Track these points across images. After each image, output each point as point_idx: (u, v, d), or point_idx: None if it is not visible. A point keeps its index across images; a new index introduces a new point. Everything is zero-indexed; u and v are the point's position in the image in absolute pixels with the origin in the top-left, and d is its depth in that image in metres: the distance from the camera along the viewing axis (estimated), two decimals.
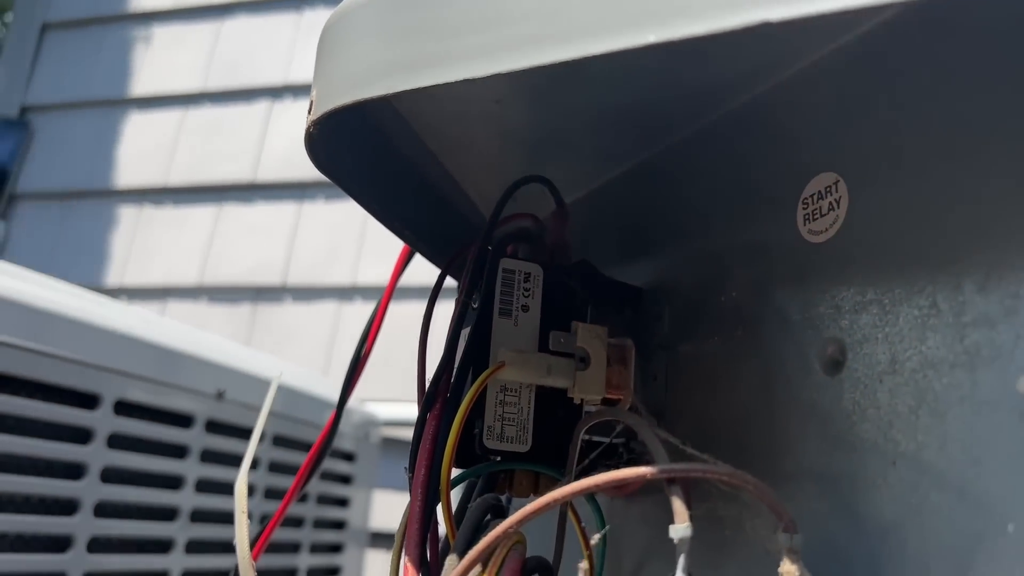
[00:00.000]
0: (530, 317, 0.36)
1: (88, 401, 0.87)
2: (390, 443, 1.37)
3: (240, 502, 0.25)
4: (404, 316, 1.17)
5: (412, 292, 1.32)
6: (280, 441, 1.12)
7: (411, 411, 0.36)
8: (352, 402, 1.33)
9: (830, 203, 0.30)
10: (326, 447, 0.51)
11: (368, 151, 0.39)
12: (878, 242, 0.28)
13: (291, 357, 1.79)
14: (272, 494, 1.09)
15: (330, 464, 1.16)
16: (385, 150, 0.41)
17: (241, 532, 0.25)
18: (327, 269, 1.89)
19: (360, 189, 0.39)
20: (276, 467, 1.09)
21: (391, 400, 1.48)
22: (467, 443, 0.35)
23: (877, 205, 0.28)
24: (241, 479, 0.26)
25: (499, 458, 0.35)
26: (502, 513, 0.33)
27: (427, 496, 0.31)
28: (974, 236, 0.25)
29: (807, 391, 0.30)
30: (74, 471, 0.89)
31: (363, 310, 1.81)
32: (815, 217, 0.31)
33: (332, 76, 0.30)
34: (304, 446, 1.15)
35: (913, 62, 0.28)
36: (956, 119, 0.26)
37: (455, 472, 0.34)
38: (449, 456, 0.32)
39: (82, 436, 0.89)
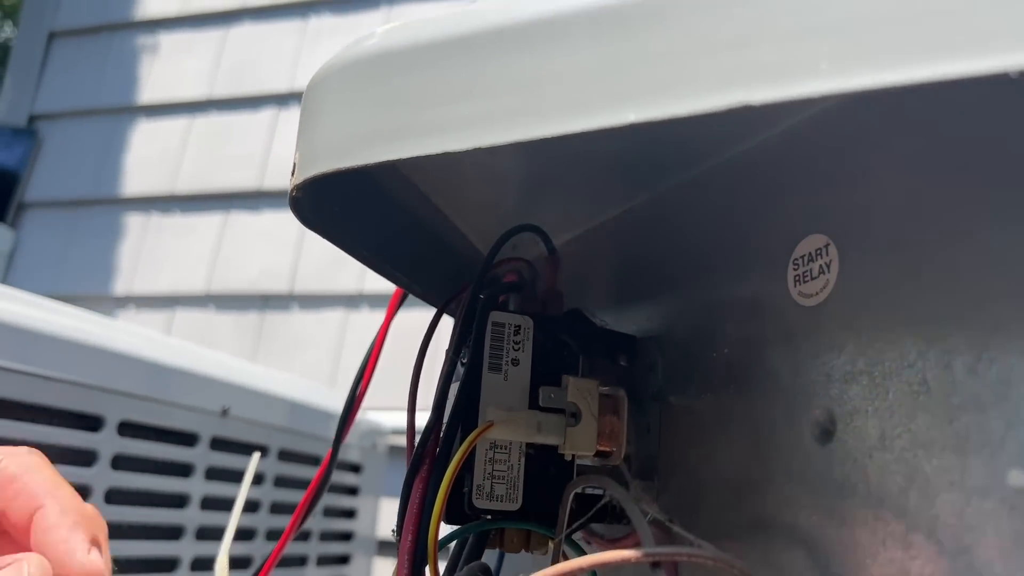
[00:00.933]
0: (520, 371, 0.36)
1: (91, 423, 0.87)
2: (397, 451, 1.37)
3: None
4: (410, 323, 1.17)
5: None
6: (286, 455, 1.12)
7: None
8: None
9: (820, 266, 0.30)
10: (322, 486, 0.51)
11: (357, 201, 0.39)
12: (869, 311, 0.27)
13: (298, 365, 1.80)
14: (278, 509, 1.09)
15: (337, 476, 1.16)
16: (374, 195, 0.41)
17: None
18: (334, 276, 1.89)
19: (350, 239, 0.39)
20: (282, 482, 1.09)
21: (397, 409, 1.48)
22: (456, 502, 0.35)
23: (868, 273, 0.28)
24: (222, 555, 0.25)
25: (489, 516, 0.35)
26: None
27: (413, 563, 0.31)
28: (965, 314, 0.24)
29: (797, 459, 0.29)
30: (79, 493, 0.89)
31: (370, 318, 1.81)
32: (806, 279, 0.30)
33: (313, 143, 0.30)
34: (310, 459, 1.15)
35: (904, 129, 0.27)
36: (946, 189, 0.26)
37: (446, 530, 0.34)
38: (436, 523, 0.31)
39: (86, 458, 0.89)
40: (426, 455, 0.33)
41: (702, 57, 0.23)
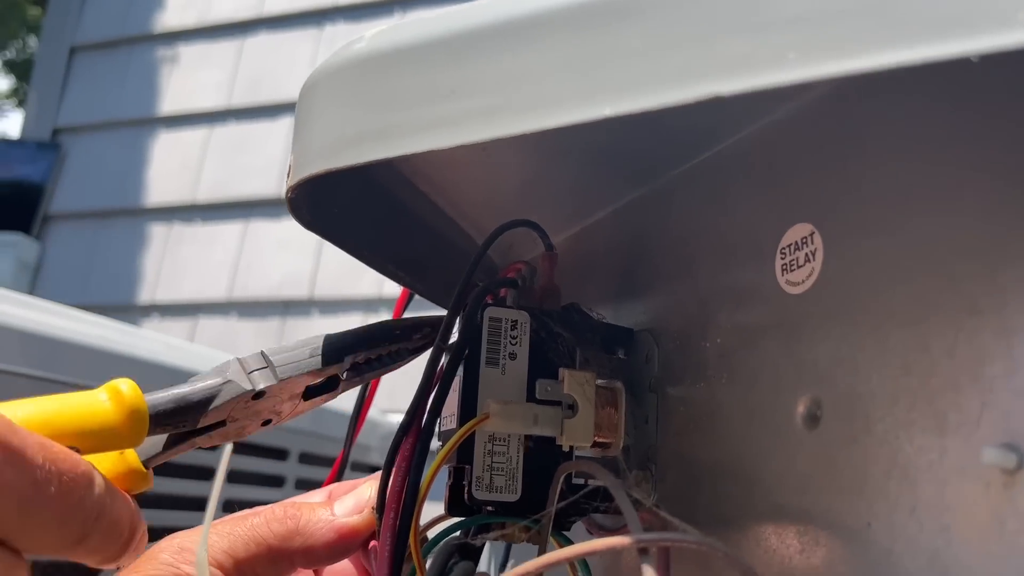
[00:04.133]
0: (518, 365, 0.36)
1: None
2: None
3: None
4: None
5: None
6: (306, 458, 1.13)
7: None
8: (374, 413, 1.34)
9: (806, 255, 0.30)
10: None
11: (356, 201, 0.40)
12: (851, 297, 0.28)
13: None
14: None
15: (355, 478, 1.17)
16: (374, 196, 0.41)
17: None
18: (353, 282, 1.91)
19: (351, 240, 0.40)
20: (303, 484, 1.11)
21: None
22: (457, 493, 0.36)
23: (850, 259, 0.28)
24: (201, 549, 0.26)
25: (491, 508, 0.35)
26: (469, 554, 0.34)
27: (396, 542, 0.32)
28: (941, 298, 0.25)
29: (787, 444, 0.30)
30: None
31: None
32: (792, 268, 0.30)
33: (307, 144, 0.31)
34: (330, 462, 1.16)
35: (885, 117, 0.28)
36: (924, 177, 0.26)
37: (428, 513, 0.35)
38: (420, 504, 0.32)
39: None
40: (408, 435, 0.34)
41: (673, 51, 0.23)
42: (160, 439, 0.34)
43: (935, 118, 0.26)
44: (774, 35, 0.22)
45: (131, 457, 0.33)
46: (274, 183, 2.09)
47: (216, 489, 0.29)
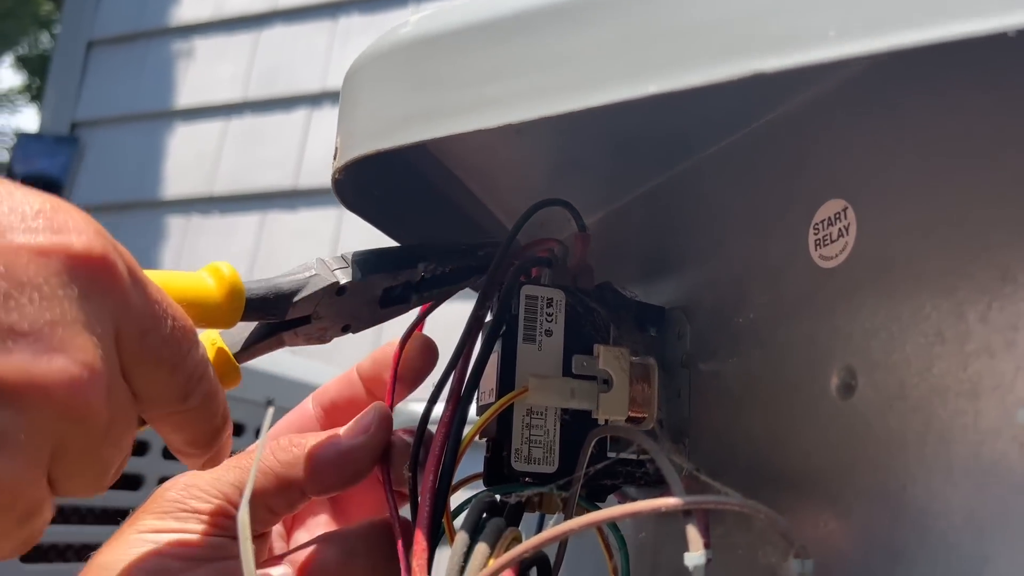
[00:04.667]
0: (553, 342, 0.37)
1: None
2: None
3: (244, 530, 0.26)
4: (449, 316, 1.19)
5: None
6: None
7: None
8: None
9: (840, 229, 0.31)
10: None
11: (395, 186, 0.41)
12: (885, 269, 0.29)
13: (338, 359, 1.82)
14: None
15: None
16: (412, 181, 0.43)
17: (247, 558, 0.26)
18: None
19: (390, 223, 0.41)
20: None
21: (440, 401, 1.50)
22: (496, 464, 0.37)
23: (884, 232, 0.29)
24: (244, 508, 0.27)
25: (528, 479, 0.36)
26: (498, 511, 0.35)
27: (435, 502, 0.33)
28: (975, 266, 0.25)
29: (821, 414, 0.31)
30: (133, 482, 0.92)
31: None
32: (826, 243, 0.31)
33: (354, 125, 0.32)
34: None
35: (915, 89, 0.29)
36: (958, 149, 0.27)
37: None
38: (456, 465, 0.33)
39: (139, 448, 0.92)
40: (449, 400, 0.35)
41: (716, 29, 0.24)
42: (248, 328, 0.36)
43: (968, 91, 0.27)
44: (815, 12, 0.23)
45: (223, 351, 0.35)
46: (290, 175, 2.10)
47: (260, 445, 0.30)
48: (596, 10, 0.26)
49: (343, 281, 0.37)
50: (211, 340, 0.36)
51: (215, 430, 0.32)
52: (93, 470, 0.27)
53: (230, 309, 0.33)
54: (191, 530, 0.36)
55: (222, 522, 0.36)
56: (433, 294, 0.41)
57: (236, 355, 0.36)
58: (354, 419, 0.39)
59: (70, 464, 0.26)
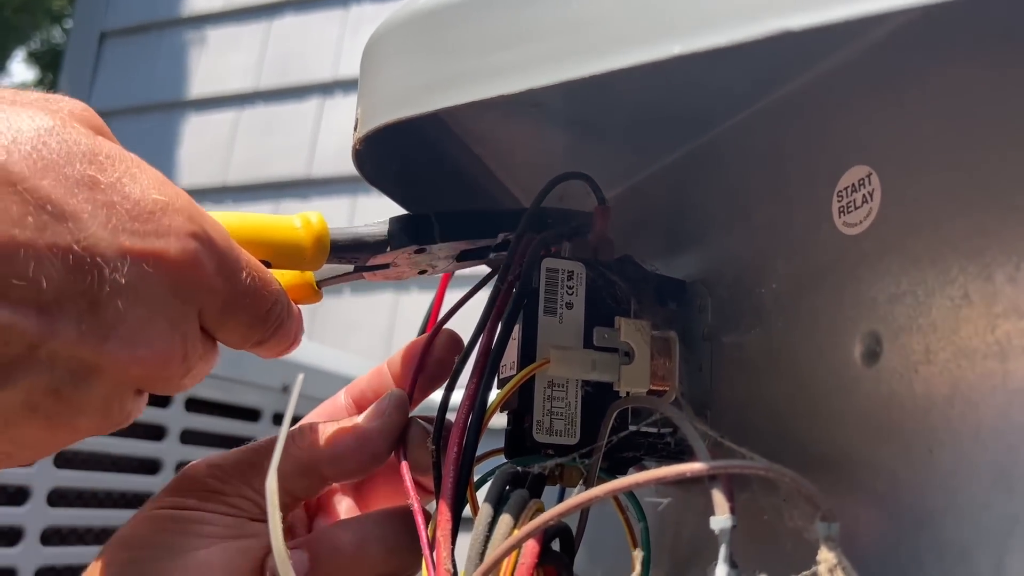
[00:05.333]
0: (574, 314, 0.37)
1: (161, 400, 0.91)
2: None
3: (272, 497, 0.27)
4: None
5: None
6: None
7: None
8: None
9: (864, 195, 0.31)
10: None
11: (414, 159, 0.41)
12: (910, 233, 0.29)
13: (353, 347, 1.83)
14: None
15: None
16: (431, 157, 0.42)
17: (275, 525, 0.26)
18: None
19: (408, 197, 0.41)
20: None
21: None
22: (518, 436, 0.37)
23: (909, 196, 0.29)
24: (272, 476, 0.27)
25: (551, 451, 0.36)
26: (521, 482, 0.35)
27: (459, 474, 0.33)
28: (1004, 226, 0.25)
29: (845, 381, 0.30)
30: (151, 466, 0.93)
31: (419, 299, 1.84)
32: (850, 210, 0.31)
33: (375, 95, 0.32)
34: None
35: (941, 55, 0.28)
36: (983, 111, 0.27)
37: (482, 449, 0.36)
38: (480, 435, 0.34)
39: (157, 433, 0.93)
40: (473, 373, 0.35)
41: None
42: (333, 267, 0.40)
43: (993, 52, 0.27)
44: None
45: (308, 275, 0.39)
46: (303, 164, 2.10)
47: (287, 420, 0.30)
48: None
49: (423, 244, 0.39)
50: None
51: (283, 351, 0.37)
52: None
53: (315, 256, 0.36)
54: (211, 509, 0.36)
55: (241, 503, 0.37)
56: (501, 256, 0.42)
57: (319, 282, 0.39)
58: (372, 405, 0.39)
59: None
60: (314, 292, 0.39)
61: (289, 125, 2.16)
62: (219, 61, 2.32)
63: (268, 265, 0.35)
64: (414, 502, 0.36)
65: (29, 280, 0.25)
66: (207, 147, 2.26)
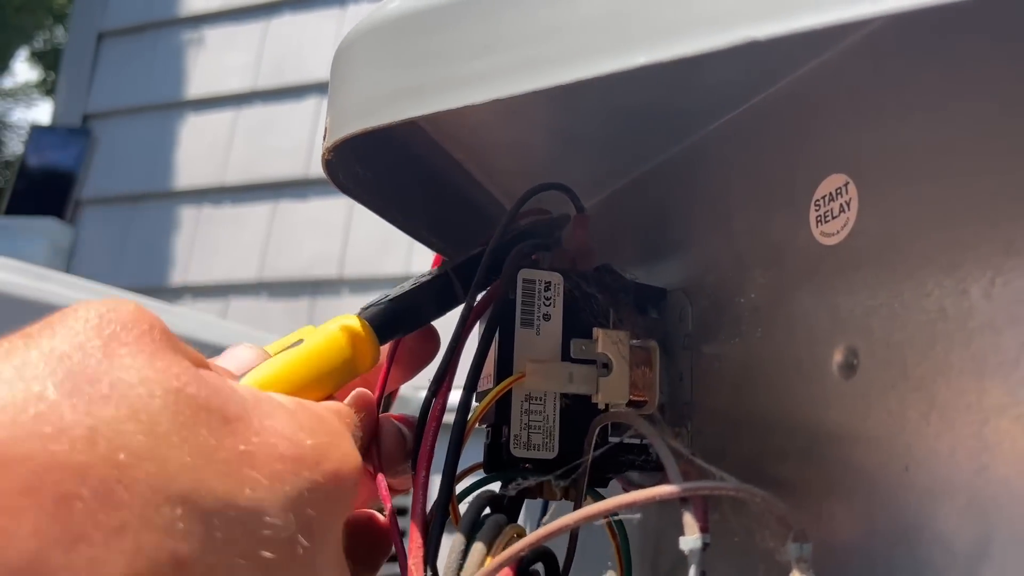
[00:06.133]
0: (552, 326, 0.37)
1: None
2: (444, 428, 1.39)
3: None
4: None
5: None
6: None
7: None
8: (407, 390, 1.35)
9: (840, 205, 0.30)
10: None
11: (389, 165, 0.40)
12: (887, 245, 0.28)
13: None
14: None
15: None
16: (406, 161, 0.42)
17: None
18: (381, 260, 1.92)
19: (383, 203, 0.40)
20: None
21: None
22: (495, 452, 0.36)
23: (886, 207, 0.28)
24: None
25: (528, 465, 0.36)
26: (500, 506, 0.34)
27: (426, 497, 0.33)
28: (979, 240, 0.25)
29: (823, 394, 0.30)
30: None
31: None
32: (827, 219, 0.31)
33: (343, 104, 0.31)
34: None
35: (920, 63, 0.28)
36: (962, 120, 0.26)
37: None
38: (456, 458, 0.33)
39: None
40: (439, 395, 0.35)
41: None
42: None
43: (971, 62, 0.26)
44: None
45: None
46: (301, 164, 2.10)
47: None
48: None
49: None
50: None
51: (398, 461, 0.36)
52: None
53: (367, 358, 0.35)
54: None
55: None
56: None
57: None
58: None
59: None
60: (374, 358, 0.36)
61: (287, 125, 2.16)
62: (217, 61, 2.31)
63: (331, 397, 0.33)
64: (389, 520, 0.35)
65: None
66: (205, 147, 2.25)
